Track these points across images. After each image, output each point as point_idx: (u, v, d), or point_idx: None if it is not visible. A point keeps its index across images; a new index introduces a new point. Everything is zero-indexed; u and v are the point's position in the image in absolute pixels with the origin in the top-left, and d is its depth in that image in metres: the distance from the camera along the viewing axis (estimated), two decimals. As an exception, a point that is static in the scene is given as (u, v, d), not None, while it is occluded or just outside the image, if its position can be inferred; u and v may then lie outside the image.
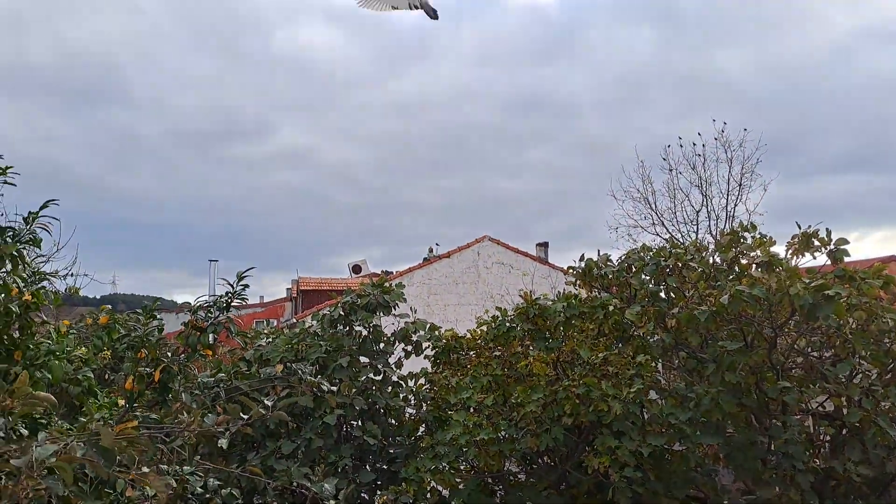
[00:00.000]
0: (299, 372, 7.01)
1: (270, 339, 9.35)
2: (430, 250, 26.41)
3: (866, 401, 7.20)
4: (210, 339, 4.34)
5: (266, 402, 4.45)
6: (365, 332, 9.03)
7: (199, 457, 4.20)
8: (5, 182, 4.59)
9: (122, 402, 5.36)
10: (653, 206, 27.21)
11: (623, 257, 9.62)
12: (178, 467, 3.03)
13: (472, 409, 8.50)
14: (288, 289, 31.82)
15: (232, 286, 4.50)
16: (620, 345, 8.87)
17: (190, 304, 4.53)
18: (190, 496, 3.37)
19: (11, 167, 4.54)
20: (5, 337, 4.69)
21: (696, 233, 26.62)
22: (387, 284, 9.07)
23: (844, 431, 8.31)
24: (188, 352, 4.32)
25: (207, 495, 3.34)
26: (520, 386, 8.16)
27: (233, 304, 4.50)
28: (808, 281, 6.82)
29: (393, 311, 9.01)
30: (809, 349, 8.67)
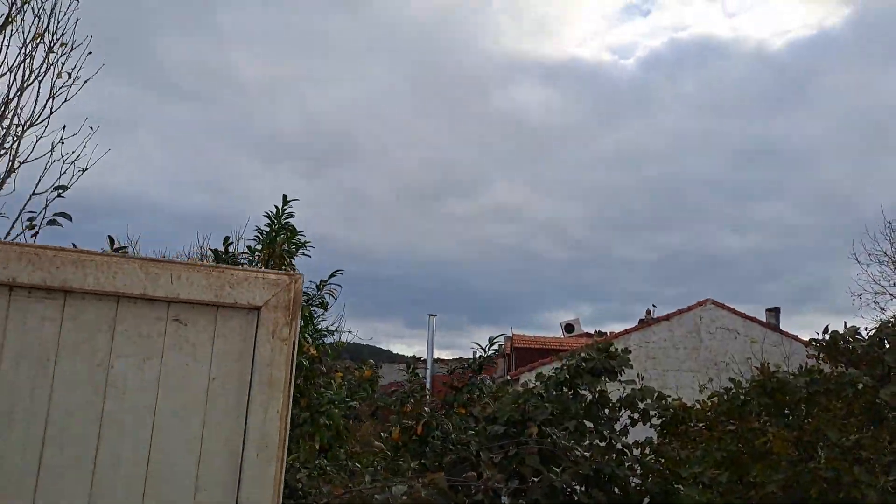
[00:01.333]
0: (552, 435, 7.30)
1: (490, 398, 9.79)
2: (648, 312, 25.77)
3: None
4: (464, 398, 4.81)
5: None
6: (590, 397, 9.14)
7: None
8: (303, 254, 5.49)
9: (376, 445, 6.01)
10: (903, 270, 24.40)
11: (875, 330, 8.88)
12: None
13: (703, 485, 8.22)
14: (500, 345, 32.68)
15: (483, 349, 4.97)
16: (873, 427, 8.13)
17: (444, 357, 5.05)
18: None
19: (310, 241, 5.43)
20: (295, 388, 5.55)
21: (957, 300, 23.34)
22: (612, 349, 9.16)
23: None
24: (446, 408, 4.81)
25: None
26: (758, 464, 7.78)
27: (483, 366, 4.96)
28: None
29: (619, 377, 9.06)
30: None
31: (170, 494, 1.32)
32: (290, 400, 1.29)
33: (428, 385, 14.18)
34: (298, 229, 5.07)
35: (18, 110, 5.51)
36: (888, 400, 7.91)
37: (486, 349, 4.95)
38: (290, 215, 4.97)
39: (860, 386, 8.25)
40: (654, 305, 26.10)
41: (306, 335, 5.52)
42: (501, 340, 4.87)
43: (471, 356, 7.29)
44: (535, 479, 8.34)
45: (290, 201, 4.99)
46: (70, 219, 4.69)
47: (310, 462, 3.95)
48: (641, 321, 25.17)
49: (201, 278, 1.31)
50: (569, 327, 30.59)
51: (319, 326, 6.23)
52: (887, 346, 8.51)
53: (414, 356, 6.34)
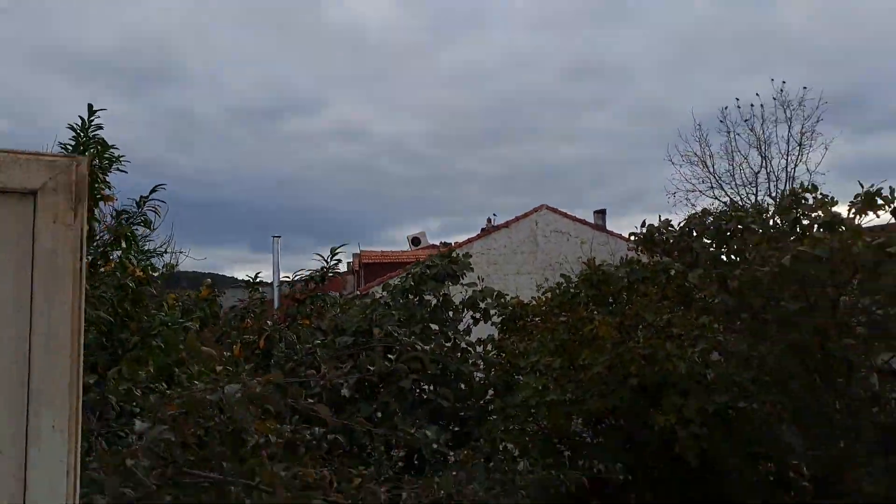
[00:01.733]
0: (395, 334, 7.45)
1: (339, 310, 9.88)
2: (489, 221, 26.71)
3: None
4: (307, 309, 4.79)
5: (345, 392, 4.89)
6: (435, 302, 9.45)
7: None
8: (118, 169, 5.11)
9: (219, 368, 5.89)
10: (711, 169, 26.90)
11: (684, 222, 9.77)
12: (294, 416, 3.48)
13: (540, 373, 8.87)
14: (349, 262, 32.63)
15: (326, 261, 4.93)
16: (683, 308, 9.08)
17: (289, 277, 4.99)
18: (299, 443, 3.83)
19: (124, 156, 5.04)
20: (121, 310, 5.26)
21: (756, 195, 26.24)
22: (454, 255, 9.46)
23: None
24: (288, 321, 4.78)
25: (314, 441, 3.78)
26: (586, 349, 8.47)
27: (327, 277, 4.94)
28: (870, 239, 6.91)
29: (461, 281, 9.41)
30: (874, 308, 8.71)
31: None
32: (83, 292, 1.21)
33: (276, 306, 14.01)
34: (110, 143, 4.68)
35: None
36: (696, 282, 8.83)
37: (329, 259, 4.92)
38: (99, 127, 4.57)
39: (672, 272, 9.14)
40: (494, 215, 27.10)
41: (130, 256, 5.21)
42: (344, 250, 4.88)
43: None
44: (381, 383, 8.60)
45: (96, 111, 4.57)
46: None
47: (142, 382, 3.82)
48: (483, 230, 26.11)
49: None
50: (415, 240, 31.11)
51: (145, 248, 5.88)
52: (695, 234, 9.43)
53: (257, 275, 6.14)
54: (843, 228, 7.47)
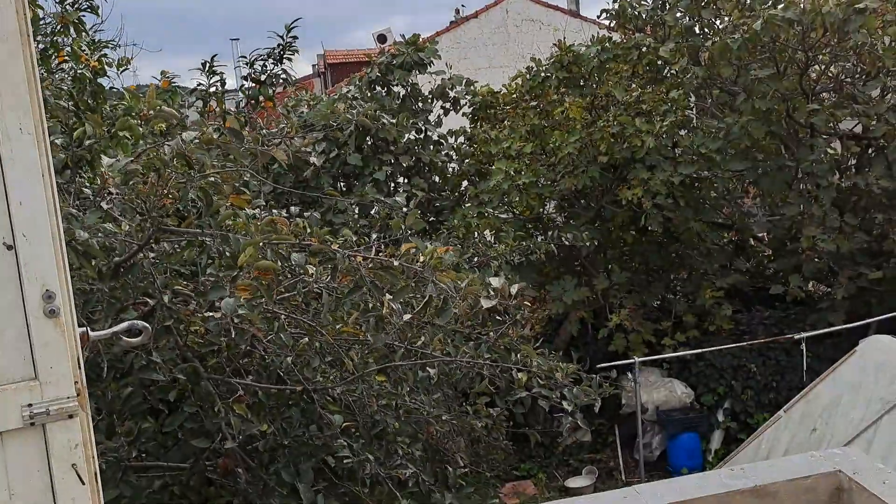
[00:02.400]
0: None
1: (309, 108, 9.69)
2: (457, 11, 25.50)
3: (892, 116, 7.44)
4: (270, 91, 4.69)
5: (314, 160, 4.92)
6: (404, 92, 9.30)
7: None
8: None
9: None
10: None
11: (657, -5, 9.44)
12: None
13: (512, 158, 8.98)
14: (314, 65, 31.38)
15: (282, 38, 4.75)
16: (654, 84, 9.04)
17: (245, 56, 4.83)
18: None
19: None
20: (80, 103, 5.13)
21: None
22: (420, 42, 9.17)
23: (871, 151, 8.66)
24: (251, 104, 4.70)
25: (285, 215, 3.88)
26: (556, 131, 8.53)
27: (285, 55, 4.78)
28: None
29: (429, 70, 9.20)
30: (843, 76, 8.74)
31: None
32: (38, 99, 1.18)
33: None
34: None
35: None
36: (667, 56, 8.72)
37: (286, 36, 4.73)
38: None
39: (644, 48, 8.96)
40: (462, 5, 25.78)
41: (81, 45, 5.00)
42: (298, 25, 4.66)
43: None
44: (355, 178, 8.71)
45: None
46: None
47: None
48: (452, 23, 24.98)
49: None
50: (381, 38, 29.74)
51: (97, 38, 5.62)
52: (668, 6, 9.15)
53: (213, 57, 5.85)
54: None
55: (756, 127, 7.83)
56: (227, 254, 2.71)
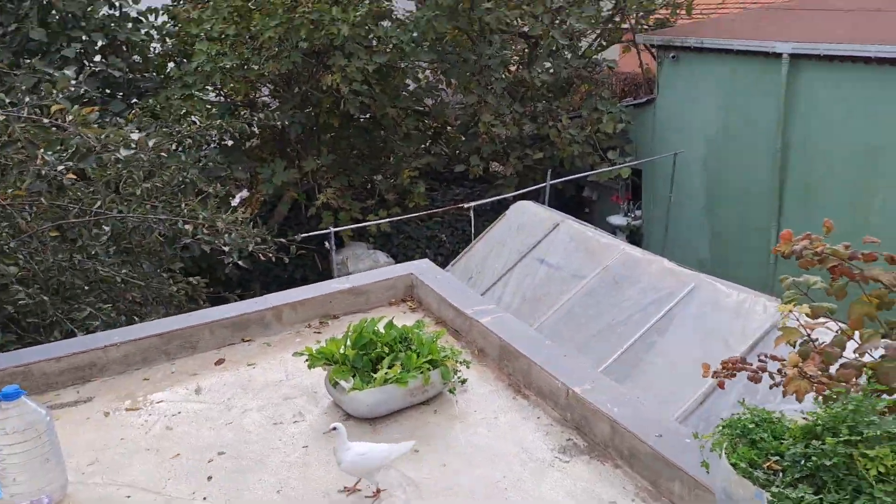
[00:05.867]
0: None
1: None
2: None
3: (546, 17, 8.73)
4: None
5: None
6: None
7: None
8: None
9: None
10: None
11: None
12: None
13: (215, 39, 8.95)
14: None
15: None
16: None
17: None
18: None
19: None
20: None
21: None
22: None
23: (539, 49, 10.06)
24: None
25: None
26: (258, 14, 8.65)
27: None
28: None
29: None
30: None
31: None
32: None
33: None
34: None
35: None
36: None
37: None
38: None
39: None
40: None
41: None
42: None
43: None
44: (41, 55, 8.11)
45: None
46: None
47: None
48: None
49: None
50: None
51: None
52: None
53: None
54: None
55: (441, 21, 8.69)
56: None
